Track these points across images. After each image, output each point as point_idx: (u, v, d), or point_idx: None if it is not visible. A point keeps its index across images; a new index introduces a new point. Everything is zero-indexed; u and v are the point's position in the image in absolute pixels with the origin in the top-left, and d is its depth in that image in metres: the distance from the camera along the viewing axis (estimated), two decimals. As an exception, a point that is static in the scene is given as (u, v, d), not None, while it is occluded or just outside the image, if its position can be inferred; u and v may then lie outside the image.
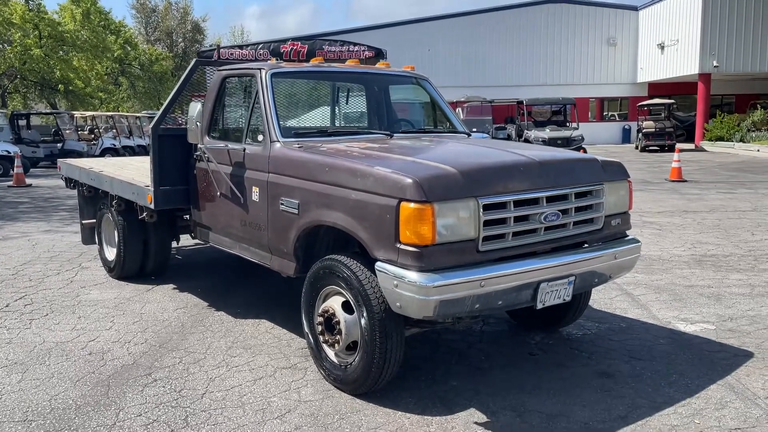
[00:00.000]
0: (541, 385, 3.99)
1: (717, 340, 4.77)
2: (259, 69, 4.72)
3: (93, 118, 27.47)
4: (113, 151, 24.05)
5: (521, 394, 3.88)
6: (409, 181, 3.38)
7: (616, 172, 4.24)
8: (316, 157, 4.09)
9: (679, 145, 20.45)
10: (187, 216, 6.24)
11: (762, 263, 7.14)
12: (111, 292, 6.14)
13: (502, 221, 3.59)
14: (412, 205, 3.34)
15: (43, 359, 4.46)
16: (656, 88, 34.82)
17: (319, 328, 3.97)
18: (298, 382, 4.06)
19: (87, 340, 4.84)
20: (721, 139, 27.18)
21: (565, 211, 3.87)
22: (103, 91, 41.13)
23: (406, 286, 3.35)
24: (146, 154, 24.99)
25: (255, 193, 4.50)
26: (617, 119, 36.99)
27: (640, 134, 27.34)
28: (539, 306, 3.78)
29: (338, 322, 3.80)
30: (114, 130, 26.15)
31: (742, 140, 25.78)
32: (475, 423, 3.54)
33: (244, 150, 4.63)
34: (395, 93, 5.54)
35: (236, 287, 6.27)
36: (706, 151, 26.98)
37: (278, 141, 4.40)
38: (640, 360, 4.38)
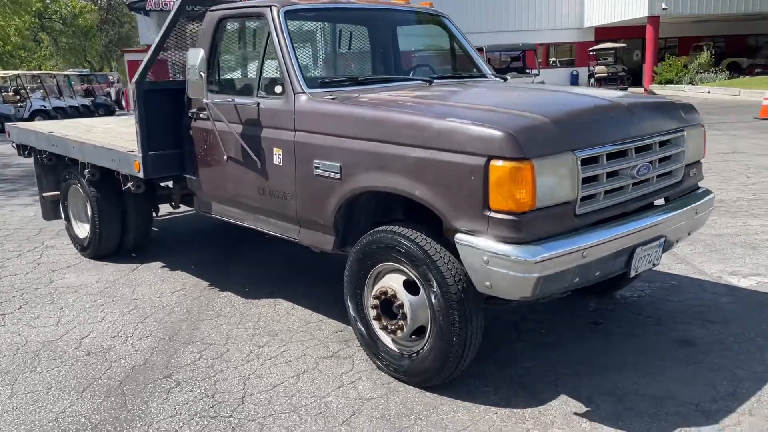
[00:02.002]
0: (624, 361, 3.54)
1: (780, 294, 4.44)
2: (269, 6, 3.95)
3: (17, 77, 25.34)
4: (44, 113, 22.31)
5: (607, 373, 3.42)
6: (501, 134, 2.78)
7: (692, 116, 3.75)
8: (360, 110, 3.41)
9: (629, 90, 20.38)
10: (168, 184, 5.49)
11: (775, 207, 6.91)
12: (90, 275, 5.34)
13: (594, 178, 3.05)
14: (506, 163, 2.74)
15: (32, 365, 3.72)
16: (603, 33, 34.75)
17: (374, 312, 3.38)
18: (349, 375, 3.48)
19: (79, 336, 4.10)
20: (670, 82, 27.40)
21: (651, 163, 3.36)
22: (23, 48, 38.19)
23: (501, 261, 2.78)
24: (80, 116, 23.40)
25: (277, 156, 3.80)
26: (559, 65, 36.82)
27: (592, 79, 27.29)
28: (632, 274, 3.30)
29: (401, 306, 3.22)
30: (42, 91, 24.20)
31: (691, 82, 26.05)
32: (575, 414, 3.06)
33: (258, 105, 3.90)
34: (414, 34, 4.86)
35: (234, 261, 5.57)
36: (656, 94, 27.15)
37: (304, 93, 3.69)
38: (713, 323, 4.00)
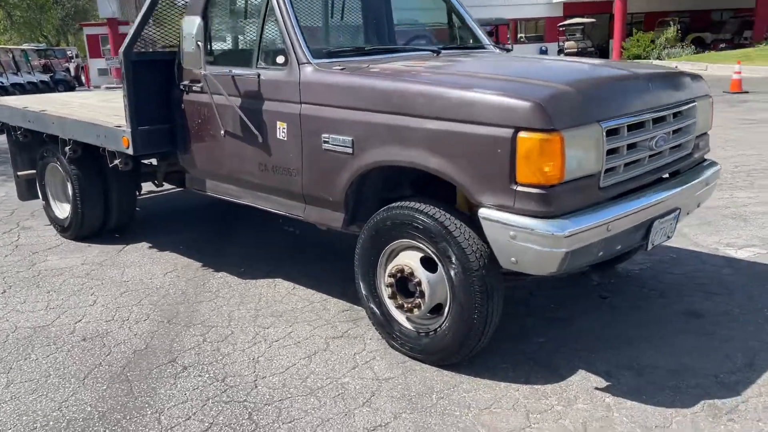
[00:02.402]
0: (636, 334, 3.53)
1: (777, 265, 4.48)
2: (268, -29, 3.76)
3: (-29, 52, 24.31)
4: (1, 90, 21.51)
5: (621, 346, 3.40)
6: (529, 104, 2.69)
7: (701, 87, 3.71)
8: (374, 81, 3.28)
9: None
10: (153, 161, 5.28)
11: (757, 179, 7.00)
12: (74, 257, 5.12)
13: (616, 150, 2.99)
14: (534, 135, 2.66)
15: (25, 352, 3.54)
16: (572, 8, 34.83)
17: (389, 291, 3.28)
18: (362, 355, 3.39)
19: (72, 321, 3.92)
20: (638, 57, 27.66)
21: (667, 135, 3.31)
22: (-25, 22, 36.61)
23: (530, 236, 2.71)
24: (39, 92, 22.52)
25: (280, 130, 3.65)
26: (527, 41, 36.85)
27: (562, 54, 27.37)
28: (649, 247, 3.27)
29: (419, 283, 3.13)
30: (-1, 66, 23.31)
31: (659, 57, 26.33)
32: (597, 389, 3.03)
33: (259, 76, 3.73)
34: (412, 7, 4.72)
35: (226, 241, 5.40)
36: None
37: (309, 63, 3.53)
38: (717, 294, 4.01)
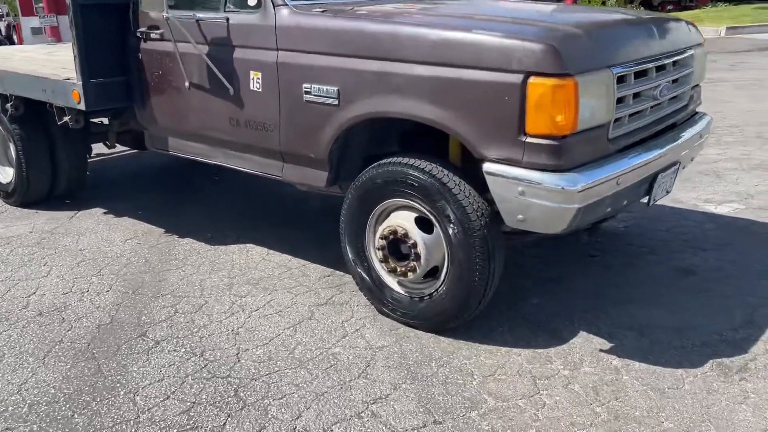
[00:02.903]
0: (632, 293, 3.41)
1: (759, 220, 4.45)
2: None
3: None
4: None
5: (619, 306, 3.28)
6: (542, 47, 2.46)
7: (697, 35, 3.55)
8: (363, 24, 2.98)
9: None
10: (104, 120, 4.86)
11: (722, 136, 7.00)
12: (20, 224, 4.69)
13: (622, 99, 2.80)
14: (547, 80, 2.43)
15: (-27, 330, 3.18)
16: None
17: (380, 254, 3.05)
18: (351, 323, 3.17)
19: (24, 294, 3.56)
20: (588, 17, 27.65)
21: (669, 84, 3.15)
22: None
23: (540, 192, 2.51)
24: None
25: (254, 81, 3.32)
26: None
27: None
28: (652, 202, 3.13)
29: (413, 246, 2.91)
30: None
31: (608, 18, 26.40)
32: (601, 351, 2.90)
33: (228, 21, 3.37)
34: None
35: (187, 205, 5.04)
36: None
37: (285, 5, 3.20)
38: (705, 250, 3.94)
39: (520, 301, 3.34)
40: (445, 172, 2.80)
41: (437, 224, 2.87)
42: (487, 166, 2.62)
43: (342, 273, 3.70)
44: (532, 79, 2.45)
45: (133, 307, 3.37)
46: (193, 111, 3.72)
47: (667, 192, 3.28)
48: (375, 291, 3.16)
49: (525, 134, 2.51)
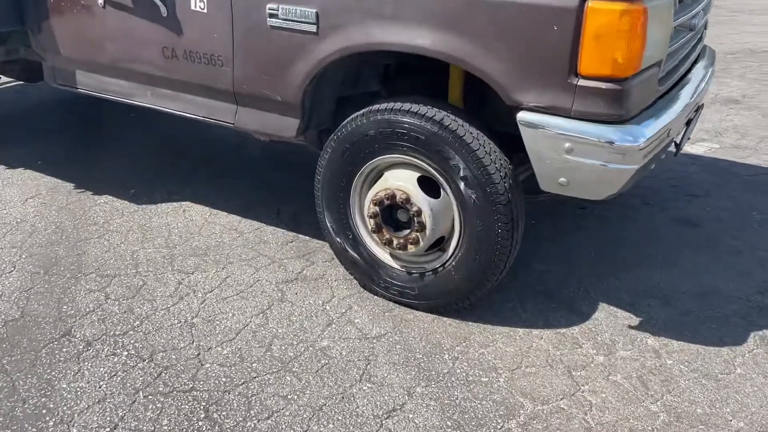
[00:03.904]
0: (640, 252, 3.05)
1: (737, 160, 4.22)
2: None
3: None
4: None
5: (632, 269, 2.91)
6: (605, -38, 1.89)
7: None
8: None
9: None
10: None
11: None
12: None
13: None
14: (613, 5, 1.88)
15: None
16: None
17: (372, 223, 2.48)
18: (333, 305, 2.61)
19: None
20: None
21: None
22: None
23: (594, 149, 2.01)
24: None
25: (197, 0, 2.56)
26: None
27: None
28: (678, 153, 2.72)
29: (417, 213, 2.35)
30: None
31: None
32: (631, 327, 2.51)
33: None
34: None
35: (98, 150, 4.18)
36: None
37: None
38: (697, 197, 3.65)
39: (522, 267, 2.89)
40: (460, 121, 2.24)
41: (447, 187, 2.32)
42: (523, 116, 2.08)
43: (308, 237, 3.10)
44: (591, 3, 1.89)
45: (49, 294, 2.64)
46: (111, 37, 2.89)
47: (689, 139, 2.88)
48: (363, 266, 2.60)
49: (577, 75, 1.97)
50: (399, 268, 2.54)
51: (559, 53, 1.96)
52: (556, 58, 1.97)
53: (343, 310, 2.57)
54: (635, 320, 2.56)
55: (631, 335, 2.46)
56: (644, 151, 2.02)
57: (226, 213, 3.35)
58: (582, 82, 1.97)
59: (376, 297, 2.64)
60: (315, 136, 2.85)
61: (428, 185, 2.38)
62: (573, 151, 2.02)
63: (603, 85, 1.96)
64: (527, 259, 2.95)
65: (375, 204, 2.43)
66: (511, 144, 2.32)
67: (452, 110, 2.29)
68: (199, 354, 2.30)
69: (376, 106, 2.37)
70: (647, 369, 2.28)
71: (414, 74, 2.73)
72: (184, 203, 3.45)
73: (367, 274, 2.61)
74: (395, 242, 2.45)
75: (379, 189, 2.42)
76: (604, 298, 2.70)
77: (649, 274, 2.87)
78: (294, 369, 2.23)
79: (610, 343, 2.42)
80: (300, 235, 3.12)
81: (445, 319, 2.52)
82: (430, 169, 2.32)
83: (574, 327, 2.51)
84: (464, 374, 2.23)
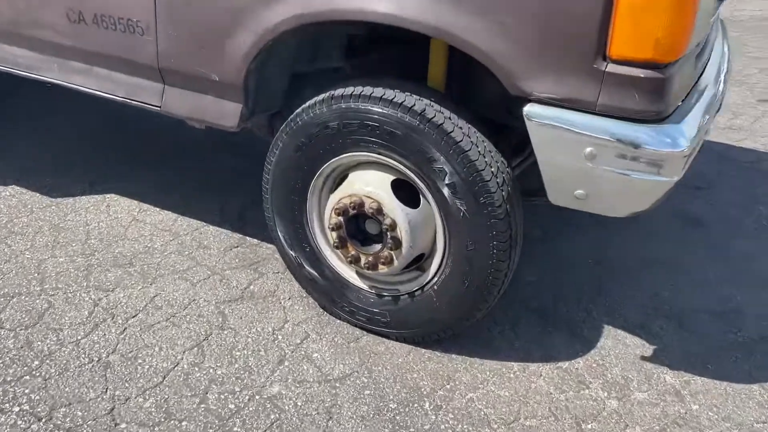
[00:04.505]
0: (644, 258, 2.65)
1: (735, 144, 3.85)
2: None
3: None
4: None
5: (636, 275, 2.51)
6: None
7: None
8: None
9: None
10: None
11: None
12: None
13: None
14: (656, -31, 1.41)
15: None
16: None
17: (334, 237, 1.99)
18: (286, 332, 2.13)
19: None
20: None
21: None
22: None
23: (627, 155, 1.55)
24: None
25: (106, -53, 1.98)
26: None
27: None
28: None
29: (392, 226, 1.87)
30: None
31: None
32: (644, 359, 2.11)
33: None
34: None
35: (4, 132, 3.55)
36: None
37: None
38: (701, 189, 3.23)
39: (512, 280, 2.44)
40: (447, 113, 1.75)
41: (429, 194, 1.84)
42: (531, 110, 1.60)
43: (256, 241, 2.60)
44: (630, -33, 1.41)
45: (-76, 324, 2.09)
46: (2, -4, 2.28)
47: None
48: (323, 286, 2.12)
49: (606, 59, 1.50)
50: (367, 289, 2.07)
51: (582, 28, 1.48)
52: (579, 35, 1.49)
53: (299, 341, 2.09)
54: (648, 348, 2.15)
55: (646, 370, 2.06)
56: (687, 158, 1.57)
57: (158, 209, 2.81)
58: (612, 68, 1.50)
59: (338, 320, 2.17)
60: (264, 121, 2.34)
61: (404, 189, 1.90)
62: (596, 156, 1.56)
63: (640, 72, 1.48)
64: (516, 268, 2.51)
65: (338, 213, 1.93)
66: (499, 133, 1.88)
67: (436, 97, 1.80)
68: (113, 409, 1.80)
69: (339, 91, 1.86)
70: (671, 418, 1.88)
71: (385, 45, 2.22)
72: (108, 196, 2.89)
73: (329, 295, 2.13)
74: (363, 260, 1.97)
75: (342, 195, 1.93)
76: (609, 319, 2.28)
77: (656, 286, 2.47)
78: (235, 429, 1.76)
79: (622, 381, 2.01)
80: (247, 238, 2.62)
81: (423, 350, 2.07)
82: (408, 171, 1.84)
83: (577, 359, 2.09)
84: (450, 431, 1.79)
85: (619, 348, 2.14)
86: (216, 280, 2.36)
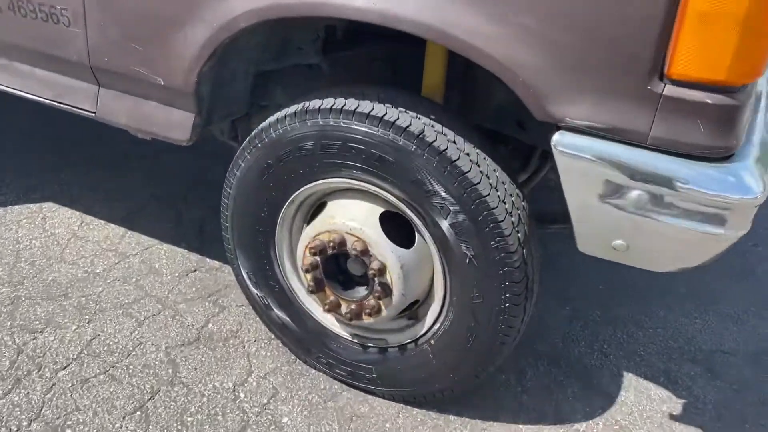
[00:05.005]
0: (660, 281, 2.33)
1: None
2: None
3: None
4: None
5: (655, 308, 2.21)
6: None
7: None
8: None
9: None
10: None
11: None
12: None
13: None
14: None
15: None
16: None
17: (308, 279, 1.62)
18: (250, 388, 1.77)
19: None
20: None
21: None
22: None
23: (686, 203, 1.21)
24: None
25: None
26: None
27: None
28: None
29: (380, 271, 1.51)
30: None
31: None
32: (673, 417, 1.80)
33: None
34: None
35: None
36: None
37: None
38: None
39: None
40: (450, 135, 1.40)
41: (426, 232, 1.49)
42: (563, 140, 1.24)
43: (217, 263, 2.24)
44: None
45: None
46: None
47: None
48: (296, 332, 1.77)
49: (663, 78, 1.15)
50: (349, 338, 1.72)
51: (635, 39, 1.13)
52: (630, 47, 1.13)
53: (265, 400, 1.74)
54: (676, 404, 1.84)
55: (676, 432, 1.76)
56: (759, 206, 1.23)
57: (103, 222, 2.42)
58: (671, 91, 1.15)
59: (313, 369, 1.83)
60: (227, 125, 1.96)
61: (395, 219, 1.54)
62: (645, 202, 1.22)
63: (706, 97, 1.14)
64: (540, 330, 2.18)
65: (313, 252, 1.57)
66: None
67: (436, 113, 1.44)
68: (30, 500, 1.44)
69: (315, 103, 1.49)
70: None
71: (367, 39, 1.85)
72: (45, 206, 2.48)
73: (302, 343, 1.78)
74: (344, 308, 1.61)
75: (319, 229, 1.56)
76: (628, 363, 1.97)
77: (678, 319, 2.17)
78: None
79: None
80: (207, 260, 2.25)
81: (415, 411, 1.74)
82: (401, 204, 1.48)
83: (596, 419, 1.78)
84: None
85: (643, 403, 1.83)
86: (167, 317, 1.99)
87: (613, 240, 1.30)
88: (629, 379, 1.92)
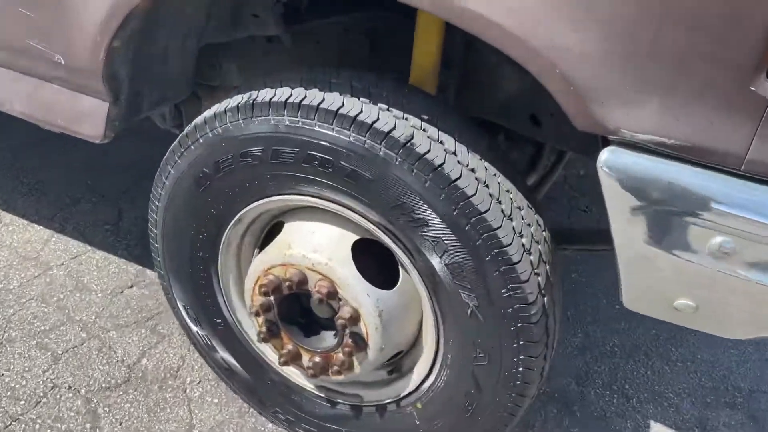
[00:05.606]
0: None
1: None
2: None
3: None
4: None
5: (679, 336, 1.85)
6: None
7: None
8: None
9: None
10: None
11: None
12: None
13: None
14: None
15: None
16: None
17: (259, 323, 1.24)
18: (189, 447, 1.41)
19: None
20: None
21: None
22: None
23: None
24: None
25: None
26: None
27: None
28: None
29: (352, 319, 1.13)
30: None
31: None
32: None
33: None
34: None
35: None
36: None
37: None
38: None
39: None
40: (449, 143, 1.01)
41: (412, 267, 1.11)
42: (615, 159, 0.86)
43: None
44: None
45: None
46: None
47: None
48: (247, 380, 1.40)
49: (772, 77, 0.77)
50: (314, 390, 1.35)
51: (732, 22, 0.74)
52: (723, 31, 0.75)
53: (208, 468, 1.37)
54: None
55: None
56: None
57: (25, 223, 2.01)
58: (787, 96, 0.77)
59: (270, 424, 1.46)
60: (170, 110, 1.57)
61: (371, 251, 1.16)
62: (731, 252, 0.85)
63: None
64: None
65: (264, 292, 1.18)
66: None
67: (431, 112, 1.05)
68: None
69: (265, 94, 1.09)
70: None
71: (345, 6, 1.45)
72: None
73: (254, 393, 1.41)
74: (306, 361, 1.24)
75: (273, 262, 1.18)
76: (654, 409, 1.63)
77: (707, 350, 1.83)
78: None
79: None
80: (148, 272, 1.86)
81: (396, 479, 1.38)
82: (381, 233, 1.10)
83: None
84: None
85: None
86: (92, 349, 1.61)
87: (678, 299, 0.93)
88: (657, 430, 1.58)
